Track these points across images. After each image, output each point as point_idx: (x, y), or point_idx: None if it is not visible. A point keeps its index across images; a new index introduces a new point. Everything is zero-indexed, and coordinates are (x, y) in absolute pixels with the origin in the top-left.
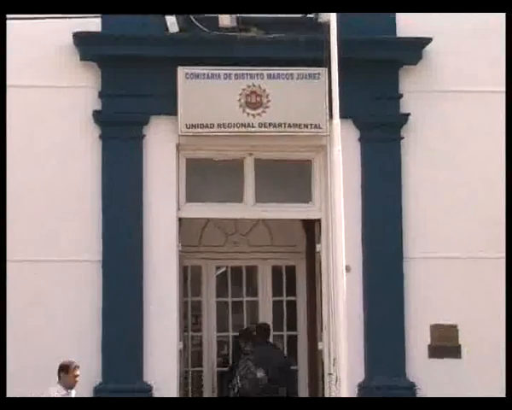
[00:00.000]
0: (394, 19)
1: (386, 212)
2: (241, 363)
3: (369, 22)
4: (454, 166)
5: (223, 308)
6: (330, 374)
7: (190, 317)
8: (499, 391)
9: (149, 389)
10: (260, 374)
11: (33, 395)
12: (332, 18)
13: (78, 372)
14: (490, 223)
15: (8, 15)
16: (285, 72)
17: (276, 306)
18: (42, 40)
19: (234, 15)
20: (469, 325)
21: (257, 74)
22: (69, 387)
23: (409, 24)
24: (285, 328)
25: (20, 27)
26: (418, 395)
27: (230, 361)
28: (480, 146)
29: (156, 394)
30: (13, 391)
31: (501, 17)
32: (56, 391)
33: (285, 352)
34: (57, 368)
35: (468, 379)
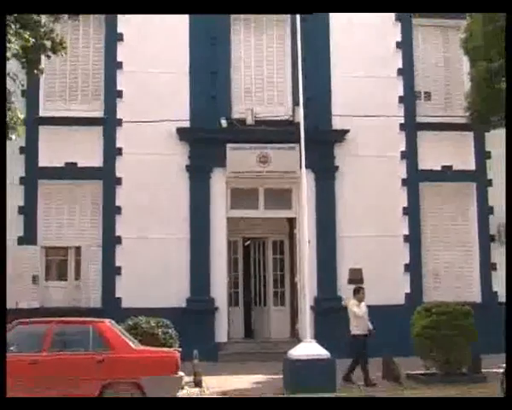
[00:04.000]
0: (331, 120)
1: (327, 214)
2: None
3: (319, 121)
4: (364, 190)
5: (248, 262)
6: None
7: (232, 265)
8: (383, 300)
9: (212, 299)
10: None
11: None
12: (301, 120)
13: (363, 293)
14: (385, 220)
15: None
16: (278, 146)
17: (274, 260)
18: (161, 131)
19: (254, 118)
20: (368, 268)
21: (265, 147)
22: (360, 300)
23: (338, 122)
24: (278, 270)
25: (147, 125)
26: (342, 302)
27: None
28: (378, 179)
29: (216, 303)
30: (149, 301)
31: (391, 119)
32: (352, 301)
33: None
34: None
35: (367, 293)
